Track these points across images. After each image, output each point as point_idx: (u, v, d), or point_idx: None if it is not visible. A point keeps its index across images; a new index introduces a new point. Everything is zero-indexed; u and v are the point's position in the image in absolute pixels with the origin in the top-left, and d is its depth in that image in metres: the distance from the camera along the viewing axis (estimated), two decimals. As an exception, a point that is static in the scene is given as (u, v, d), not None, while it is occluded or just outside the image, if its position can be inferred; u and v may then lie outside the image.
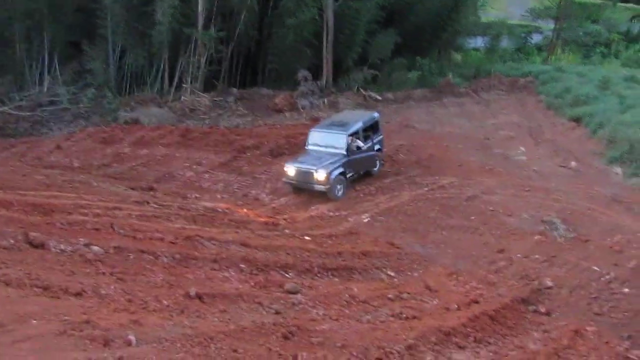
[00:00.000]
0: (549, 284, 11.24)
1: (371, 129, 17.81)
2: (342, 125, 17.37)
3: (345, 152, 16.48)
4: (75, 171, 17.92)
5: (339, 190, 16.32)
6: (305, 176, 16.15)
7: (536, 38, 40.75)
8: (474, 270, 11.99)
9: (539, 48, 39.60)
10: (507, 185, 16.30)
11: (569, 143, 20.89)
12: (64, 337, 5.45)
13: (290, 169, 16.33)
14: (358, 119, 17.96)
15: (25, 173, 15.78)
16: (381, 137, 18.42)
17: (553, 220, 13.85)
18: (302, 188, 16.50)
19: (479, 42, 38.95)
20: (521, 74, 31.21)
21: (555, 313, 10.32)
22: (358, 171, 17.12)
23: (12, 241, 8.05)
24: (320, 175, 15.90)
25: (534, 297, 10.67)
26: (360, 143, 17.00)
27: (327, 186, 15.91)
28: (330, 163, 16.14)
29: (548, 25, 39.76)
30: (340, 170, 16.29)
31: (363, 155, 17.02)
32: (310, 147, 17.07)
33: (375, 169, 17.72)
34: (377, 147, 17.89)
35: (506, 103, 27.19)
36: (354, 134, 16.99)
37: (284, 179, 16.73)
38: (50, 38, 27.16)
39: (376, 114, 18.71)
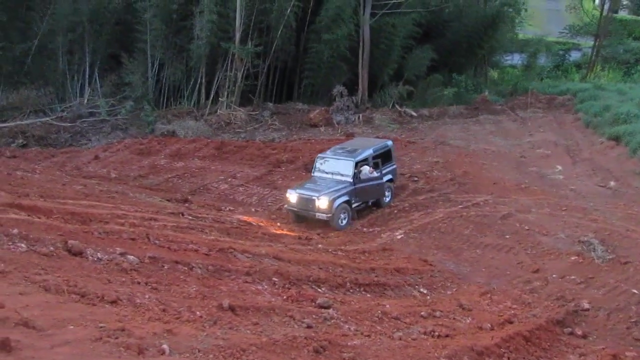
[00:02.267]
0: (586, 306, 10.97)
1: (383, 156, 16.79)
2: (350, 152, 16.62)
3: (351, 180, 15.78)
4: (112, 181, 18.25)
5: (343, 219, 15.54)
6: (307, 204, 15.44)
7: (575, 55, 40.31)
8: (509, 290, 11.81)
9: (578, 65, 39.14)
10: (543, 204, 16.05)
11: (607, 162, 20.49)
12: (100, 344, 5.52)
13: (292, 196, 15.70)
14: (369, 145, 17.21)
15: (65, 182, 16.10)
16: (394, 166, 17.54)
17: (590, 240, 13.55)
18: (304, 216, 15.77)
19: (516, 59, 38.73)
20: (559, 92, 30.86)
21: (592, 336, 10.08)
22: (365, 200, 16.33)
23: (51, 248, 8.20)
24: (322, 203, 15.20)
25: (570, 319, 10.44)
26: (367, 170, 16.10)
27: (329, 215, 15.17)
28: (334, 190, 15.48)
29: (587, 42, 39.32)
30: (345, 198, 15.56)
31: (371, 183, 16.08)
32: (316, 174, 16.45)
33: (387, 199, 16.82)
34: (389, 176, 17.00)
35: (543, 121, 26.86)
36: (363, 161, 16.24)
37: (285, 206, 16.18)
38: (91, 51, 27.85)
39: (389, 142, 17.90)
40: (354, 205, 15.89)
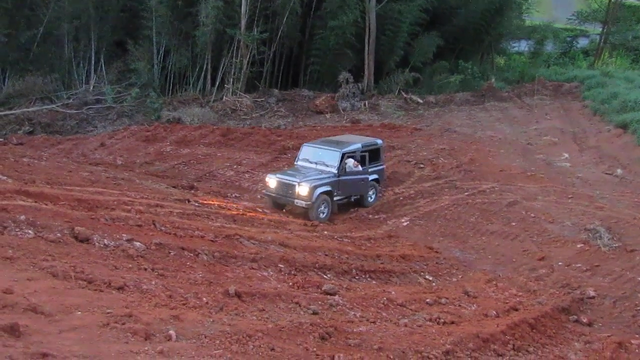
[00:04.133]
0: (592, 293, 10.97)
1: (371, 154, 16.14)
2: (338, 143, 16.06)
3: (336, 171, 15.10)
4: (118, 168, 18.28)
5: (322, 212, 14.81)
6: (286, 189, 14.73)
7: (582, 42, 40.08)
8: (514, 277, 11.81)
9: (585, 52, 38.92)
10: (550, 192, 16.01)
11: (614, 150, 20.39)
12: (107, 329, 5.56)
13: (272, 181, 15.04)
14: (358, 141, 16.59)
15: (71, 169, 16.13)
16: (382, 167, 16.75)
17: (597, 228, 13.50)
18: (282, 204, 15.24)
19: (522, 46, 38.55)
20: (566, 79, 30.74)
21: (598, 324, 10.07)
22: (348, 195, 15.63)
23: (58, 235, 8.24)
24: (302, 189, 14.45)
25: (575, 307, 10.44)
26: (351, 163, 15.44)
27: (309, 203, 14.42)
28: (317, 179, 14.82)
29: (595, 29, 39.05)
30: (327, 188, 14.84)
31: (355, 177, 15.50)
32: (299, 163, 15.78)
33: (371, 200, 16.12)
34: (375, 176, 16.26)
35: (550, 108, 26.76)
36: (350, 154, 15.56)
37: (263, 192, 15.70)
38: (97, 38, 27.83)
39: (380, 141, 17.07)
40: (335, 198, 15.23)
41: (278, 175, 15.13)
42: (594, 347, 8.92)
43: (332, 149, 15.65)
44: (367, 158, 15.97)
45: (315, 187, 14.57)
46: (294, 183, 14.60)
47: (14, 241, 7.57)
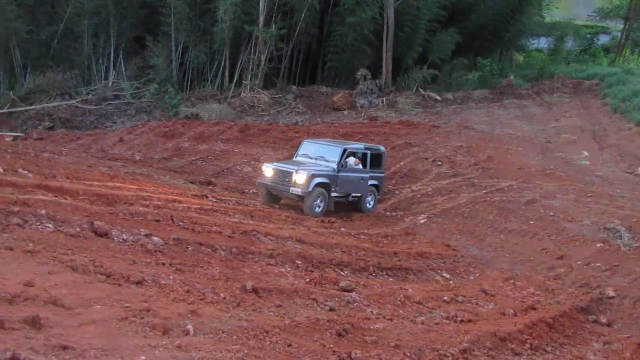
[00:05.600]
0: (611, 293, 10.83)
1: (373, 158, 15.70)
2: (341, 142, 15.92)
3: (336, 167, 14.72)
4: (137, 164, 18.43)
5: (318, 205, 14.35)
6: (282, 177, 14.35)
7: (603, 39, 39.60)
8: (532, 276, 11.71)
9: (606, 49, 38.47)
10: (569, 190, 15.86)
11: (635, 148, 20.13)
12: (126, 323, 5.60)
13: (268, 169, 14.72)
14: (362, 144, 16.46)
15: (91, 164, 16.29)
16: (382, 175, 16.22)
17: (616, 227, 13.34)
18: (276, 194, 14.88)
19: (542, 42, 38.20)
20: (586, 76, 30.38)
21: (617, 324, 9.95)
22: (346, 193, 15.13)
23: (78, 229, 8.31)
24: (299, 177, 14.06)
25: (594, 307, 10.32)
26: (352, 161, 15.18)
27: (305, 191, 14.01)
28: (316, 169, 14.47)
29: (616, 26, 38.59)
30: (325, 180, 14.39)
31: (355, 175, 15.10)
32: (299, 158, 15.49)
33: (369, 206, 15.59)
34: (375, 182, 15.75)
35: (569, 106, 26.47)
36: (352, 152, 15.29)
37: (258, 180, 15.49)
38: (116, 34, 28.06)
39: (383, 148, 16.63)
40: (333, 194, 14.74)
41: (275, 164, 14.88)
42: (614, 347, 8.82)
43: (335, 145, 15.56)
44: (368, 158, 15.57)
45: (313, 176, 14.18)
46: (292, 170, 14.23)
47: (34, 235, 7.65)
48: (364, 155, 15.53)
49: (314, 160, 15.12)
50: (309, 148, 15.65)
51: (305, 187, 14.03)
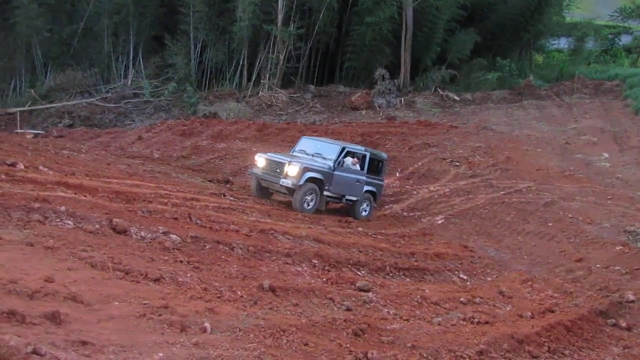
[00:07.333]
0: (631, 297, 10.67)
1: (372, 162, 15.27)
2: (339, 141, 15.59)
3: (332, 164, 14.25)
4: (155, 162, 18.53)
5: (308, 202, 13.79)
6: (274, 167, 13.91)
7: (625, 39, 39.08)
8: (550, 279, 11.62)
9: (628, 50, 37.97)
10: (588, 192, 15.71)
11: (657, 150, 19.92)
12: (144, 320, 5.64)
13: (260, 159, 14.33)
14: (363, 147, 15.93)
15: (110, 162, 16.41)
16: (381, 183, 15.71)
17: (637, 230, 13.20)
18: (266, 187, 14.47)
19: (562, 43, 37.82)
20: (607, 77, 30.06)
21: (637, 329, 9.81)
22: (340, 193, 14.58)
23: (97, 226, 8.37)
24: (292, 169, 13.54)
25: (613, 310, 10.19)
26: (350, 161, 14.71)
27: (295, 184, 13.48)
28: (310, 163, 14.02)
29: (638, 26, 38.08)
30: (318, 176, 13.88)
31: (351, 175, 14.59)
32: (295, 153, 15.07)
33: (364, 213, 14.97)
34: (372, 188, 15.21)
35: (589, 107, 26.23)
36: (351, 153, 14.80)
37: (249, 170, 15.16)
38: (135, 33, 28.29)
39: (385, 155, 16.24)
40: (326, 193, 14.23)
41: (269, 154, 14.52)
42: (633, 352, 8.72)
43: (333, 143, 15.34)
44: (367, 161, 15.08)
45: (306, 170, 13.68)
46: (284, 162, 13.82)
47: (54, 231, 7.72)
48: (363, 157, 15.05)
49: (310, 157, 14.73)
50: (307, 144, 15.30)
51: (296, 180, 13.55)
